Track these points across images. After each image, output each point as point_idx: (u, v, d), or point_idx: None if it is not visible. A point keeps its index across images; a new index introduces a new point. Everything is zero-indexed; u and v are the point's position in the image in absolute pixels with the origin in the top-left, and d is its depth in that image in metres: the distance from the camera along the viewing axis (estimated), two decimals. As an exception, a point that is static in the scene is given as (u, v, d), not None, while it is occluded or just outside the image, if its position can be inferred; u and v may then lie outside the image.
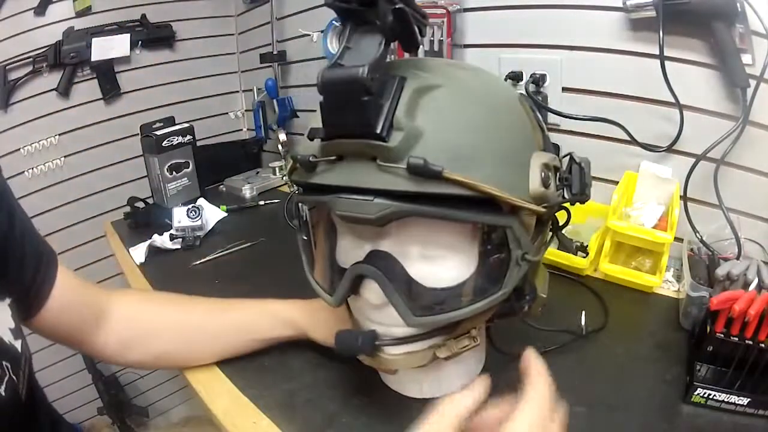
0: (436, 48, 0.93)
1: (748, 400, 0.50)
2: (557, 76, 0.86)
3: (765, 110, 0.68)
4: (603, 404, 0.52)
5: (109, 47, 1.33)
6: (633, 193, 0.82)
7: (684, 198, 0.76)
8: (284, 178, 1.37)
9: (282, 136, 1.35)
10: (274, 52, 1.35)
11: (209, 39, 1.54)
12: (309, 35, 1.27)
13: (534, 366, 0.39)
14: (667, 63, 0.71)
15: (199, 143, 1.28)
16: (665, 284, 0.75)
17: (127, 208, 1.17)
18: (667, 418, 0.51)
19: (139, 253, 0.98)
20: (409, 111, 0.36)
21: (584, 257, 0.77)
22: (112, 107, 1.40)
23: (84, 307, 0.56)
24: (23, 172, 1.30)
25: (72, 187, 1.39)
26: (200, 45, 1.52)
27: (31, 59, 1.24)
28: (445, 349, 0.46)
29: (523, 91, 0.84)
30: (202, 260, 0.95)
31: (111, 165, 1.44)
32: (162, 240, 1.00)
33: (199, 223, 1.04)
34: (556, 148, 0.47)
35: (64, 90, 1.30)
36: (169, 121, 1.24)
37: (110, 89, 1.37)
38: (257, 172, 1.44)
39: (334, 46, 1.21)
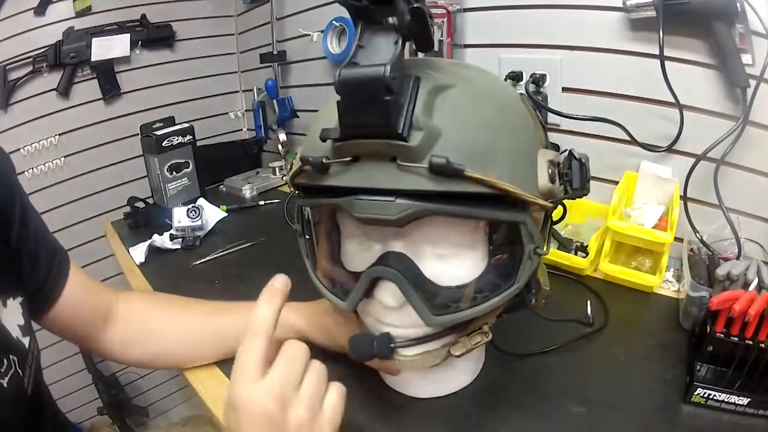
0: (436, 48, 0.93)
1: (748, 400, 0.50)
2: (557, 76, 0.86)
3: (765, 110, 0.68)
4: (603, 404, 0.52)
5: (109, 47, 1.33)
6: (633, 193, 0.82)
7: (684, 198, 0.76)
8: (284, 178, 1.37)
9: (282, 136, 1.35)
10: (274, 52, 1.35)
11: (209, 39, 1.54)
12: (309, 35, 1.27)
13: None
14: (667, 63, 0.71)
15: (199, 143, 1.28)
16: (665, 284, 0.75)
17: (127, 208, 1.17)
18: (667, 418, 0.51)
19: (139, 253, 0.98)
20: (426, 110, 0.36)
21: (584, 257, 0.77)
22: (112, 107, 1.40)
23: (93, 306, 0.57)
24: (23, 172, 1.30)
25: (72, 187, 1.39)
26: (200, 45, 1.52)
27: (31, 59, 1.24)
28: (459, 347, 0.46)
29: (523, 91, 0.84)
30: (202, 260, 0.95)
31: (111, 165, 1.44)
32: (162, 240, 1.00)
33: (199, 223, 1.04)
34: (554, 147, 0.47)
35: (64, 90, 1.30)
36: (169, 121, 1.24)
37: (110, 89, 1.37)
38: (257, 172, 1.44)
39: (334, 46, 1.21)
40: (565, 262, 0.78)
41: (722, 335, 0.51)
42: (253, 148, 1.49)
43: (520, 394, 0.55)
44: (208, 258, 0.95)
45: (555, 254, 0.78)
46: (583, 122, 0.80)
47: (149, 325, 0.61)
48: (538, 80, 0.87)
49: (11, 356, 0.46)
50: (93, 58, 1.31)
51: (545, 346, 0.61)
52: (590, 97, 0.84)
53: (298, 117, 1.41)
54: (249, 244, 0.99)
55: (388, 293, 0.42)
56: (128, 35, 1.36)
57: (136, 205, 1.18)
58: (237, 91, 1.66)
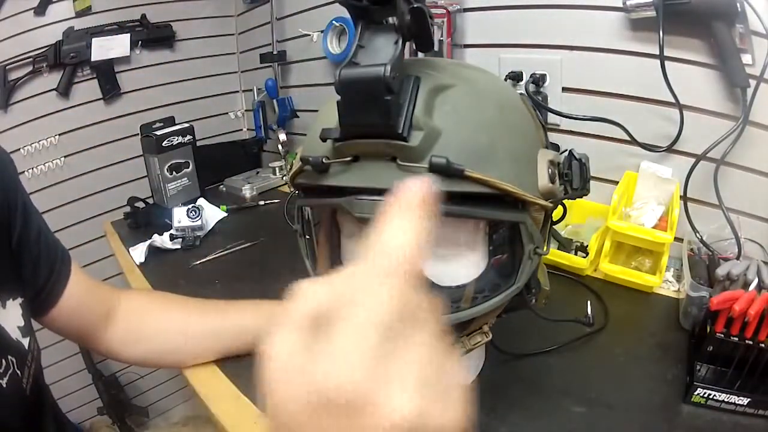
0: (436, 48, 0.93)
1: (748, 400, 0.50)
2: (557, 76, 0.86)
3: (765, 110, 0.68)
4: (603, 404, 0.52)
5: (109, 47, 1.33)
6: (633, 193, 0.82)
7: (684, 198, 0.76)
8: (284, 178, 1.37)
9: (282, 136, 1.35)
10: (274, 52, 1.35)
11: (209, 39, 1.54)
12: (309, 35, 1.27)
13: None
14: (667, 63, 0.71)
15: (199, 143, 1.28)
16: (665, 284, 0.75)
17: (127, 208, 1.17)
18: (667, 418, 0.51)
19: (139, 253, 0.98)
20: (426, 110, 0.36)
21: (584, 257, 0.77)
22: (112, 107, 1.40)
23: (94, 305, 0.57)
24: (23, 172, 1.30)
25: (72, 187, 1.39)
26: (200, 45, 1.52)
27: (31, 59, 1.24)
28: (459, 347, 0.46)
29: (523, 91, 0.84)
30: (202, 260, 0.95)
31: (111, 165, 1.44)
32: (162, 240, 1.00)
33: (199, 223, 1.04)
34: (554, 147, 0.47)
35: (64, 90, 1.30)
36: (169, 121, 1.24)
37: (110, 89, 1.37)
38: (257, 172, 1.44)
39: (334, 46, 1.21)
40: (565, 262, 0.78)
41: (722, 335, 0.51)
42: (253, 148, 1.49)
43: (520, 394, 0.55)
44: (208, 258, 0.95)
45: (555, 254, 0.78)
46: (583, 122, 0.80)
47: (150, 323, 0.61)
48: (538, 80, 0.87)
49: (9, 357, 0.46)
50: (93, 58, 1.31)
51: (545, 346, 0.61)
52: (590, 97, 0.84)
53: (298, 117, 1.41)
54: (249, 244, 0.99)
55: None
56: (128, 35, 1.36)
57: (136, 205, 1.18)
58: (237, 91, 1.66)
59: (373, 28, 0.37)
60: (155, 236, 1.01)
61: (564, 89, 0.86)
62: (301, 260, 0.50)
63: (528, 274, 0.43)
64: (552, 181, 0.41)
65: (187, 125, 1.23)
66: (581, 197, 0.46)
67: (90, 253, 1.44)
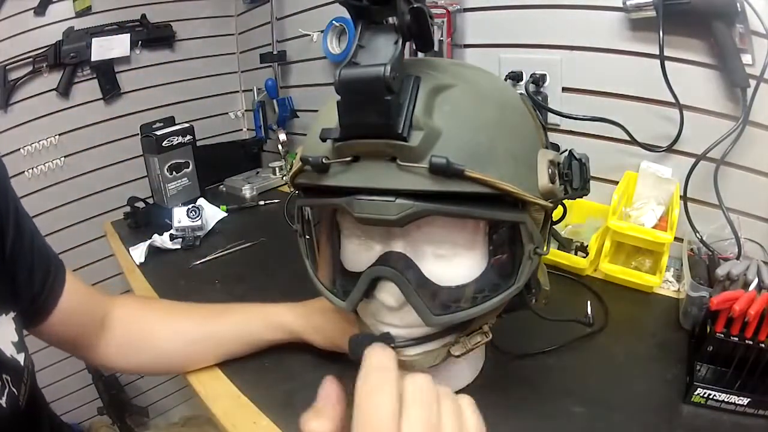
0: (436, 48, 0.93)
1: (748, 400, 0.50)
2: (557, 76, 0.86)
3: (765, 110, 0.68)
4: (603, 404, 0.52)
5: (109, 47, 1.33)
6: (633, 193, 0.82)
7: (684, 198, 0.76)
8: (284, 178, 1.37)
9: (282, 136, 1.35)
10: (274, 52, 1.35)
11: (209, 39, 1.54)
12: (309, 35, 1.27)
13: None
14: (667, 63, 0.71)
15: (199, 143, 1.28)
16: (665, 284, 0.75)
17: (127, 208, 1.17)
18: (667, 418, 0.51)
19: (139, 253, 0.98)
20: (426, 110, 0.36)
21: (584, 257, 0.77)
22: (112, 107, 1.40)
23: (89, 313, 0.56)
24: (23, 172, 1.30)
25: (72, 187, 1.39)
26: (200, 45, 1.52)
27: (31, 59, 1.24)
28: (459, 347, 0.46)
29: (523, 91, 0.84)
30: (202, 260, 0.95)
31: (111, 165, 1.44)
32: (162, 240, 1.00)
33: (199, 223, 1.04)
34: (554, 147, 0.47)
35: (64, 90, 1.30)
36: (169, 121, 1.24)
37: (110, 89, 1.37)
38: (257, 172, 1.44)
39: (334, 46, 1.21)
40: (565, 262, 0.78)
41: (722, 335, 0.51)
42: (253, 148, 1.49)
43: (520, 394, 0.55)
44: (208, 258, 0.95)
45: (555, 254, 0.78)
46: (583, 122, 0.80)
47: (146, 330, 0.60)
48: (538, 80, 0.87)
49: (4, 375, 0.44)
50: (93, 58, 1.31)
51: (545, 346, 0.61)
52: (590, 97, 0.84)
53: (298, 117, 1.41)
54: (249, 244, 0.99)
55: (388, 293, 0.42)
56: (128, 35, 1.36)
57: (136, 205, 1.18)
58: (237, 91, 1.66)
59: (373, 28, 0.37)
60: (155, 236, 1.01)
61: (564, 89, 0.86)
62: (301, 260, 0.50)
63: (528, 274, 0.43)
64: (552, 181, 0.41)
65: (187, 125, 1.23)
66: (581, 197, 0.46)
67: (90, 253, 1.44)
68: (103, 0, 1.31)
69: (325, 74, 1.31)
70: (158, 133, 1.17)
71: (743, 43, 0.67)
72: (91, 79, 1.35)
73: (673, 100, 0.73)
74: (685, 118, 0.74)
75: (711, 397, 0.51)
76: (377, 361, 0.30)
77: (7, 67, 1.21)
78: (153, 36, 1.41)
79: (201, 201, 1.17)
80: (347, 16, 0.37)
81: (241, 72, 1.64)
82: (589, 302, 0.66)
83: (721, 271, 0.60)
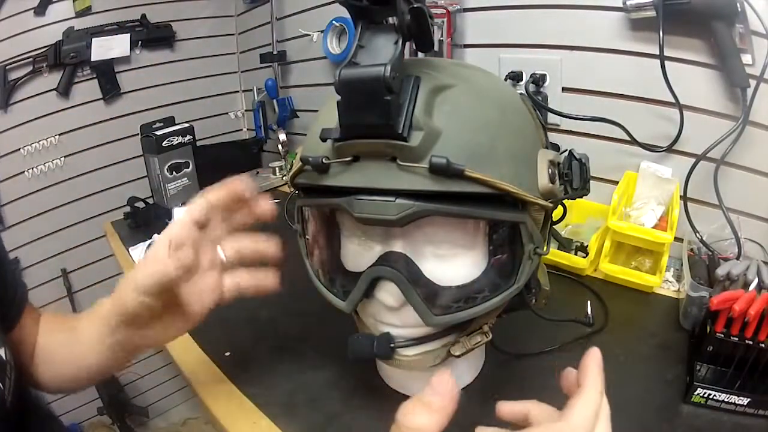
0: (436, 48, 0.93)
1: (748, 400, 0.50)
2: (557, 76, 0.86)
3: (765, 110, 0.68)
4: (603, 404, 0.52)
5: (109, 47, 1.33)
6: (633, 193, 0.82)
7: (684, 198, 0.76)
8: (284, 178, 1.37)
9: (282, 136, 1.35)
10: (274, 52, 1.35)
11: (209, 39, 1.54)
12: (309, 35, 1.27)
13: (594, 366, 0.34)
14: (667, 63, 0.71)
15: (199, 143, 1.27)
16: (665, 284, 0.75)
17: (127, 208, 1.17)
18: (667, 418, 0.51)
19: (139, 253, 0.98)
20: (426, 110, 0.36)
21: (584, 257, 0.77)
22: (112, 107, 1.41)
23: (33, 336, 0.52)
24: (23, 172, 1.30)
25: (72, 187, 1.39)
26: (200, 45, 1.52)
27: (31, 59, 1.24)
28: (459, 347, 0.46)
29: (523, 91, 0.84)
30: (202, 260, 0.94)
31: (111, 165, 1.44)
32: (162, 240, 1.00)
33: (199, 223, 1.04)
34: (554, 147, 0.47)
35: (64, 90, 1.30)
36: (169, 121, 1.24)
37: (110, 89, 1.37)
38: (257, 172, 1.44)
39: (334, 46, 1.21)
40: (565, 262, 0.78)
41: (722, 335, 0.51)
42: (253, 148, 1.49)
43: (520, 394, 0.54)
44: (208, 258, 0.95)
45: (555, 254, 0.78)
46: (583, 122, 0.81)
47: (56, 343, 0.53)
48: (538, 80, 0.87)
49: None
50: (93, 58, 1.31)
51: (545, 346, 0.61)
52: (590, 97, 0.84)
53: (298, 117, 1.41)
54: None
55: (388, 293, 0.42)
56: (128, 35, 1.36)
57: (136, 205, 1.18)
58: (237, 91, 1.66)
59: (373, 28, 0.37)
60: (155, 236, 1.01)
61: (564, 89, 0.86)
62: (301, 260, 0.50)
63: (528, 274, 0.43)
64: (552, 181, 0.41)
65: (187, 125, 1.23)
66: (581, 197, 0.46)
67: (90, 253, 1.44)
68: (103, 0, 1.31)
69: (325, 74, 1.31)
70: (158, 133, 1.17)
71: (743, 43, 0.67)
72: (91, 79, 1.35)
73: (673, 100, 0.73)
74: (685, 118, 0.74)
75: (711, 397, 0.51)
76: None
77: (7, 67, 1.22)
78: (153, 36, 1.41)
79: (201, 201, 1.17)
80: (347, 16, 0.37)
81: (241, 72, 1.64)
82: (589, 302, 0.66)
83: (721, 271, 0.60)
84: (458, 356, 0.46)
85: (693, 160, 0.73)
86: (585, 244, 0.80)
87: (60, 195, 1.37)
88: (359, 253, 0.45)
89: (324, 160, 0.38)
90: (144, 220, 1.14)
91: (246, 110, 1.66)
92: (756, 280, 0.58)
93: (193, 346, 0.67)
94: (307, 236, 0.49)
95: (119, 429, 1.48)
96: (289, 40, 1.37)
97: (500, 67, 0.91)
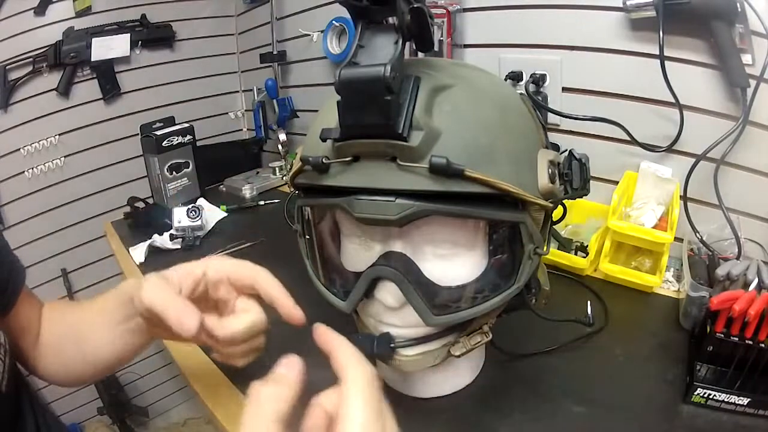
0: (436, 48, 0.93)
1: (748, 400, 0.50)
2: (557, 76, 0.86)
3: (765, 110, 0.68)
4: (603, 404, 0.52)
5: (109, 47, 1.33)
6: (633, 193, 0.82)
7: (684, 198, 0.76)
8: (284, 178, 1.37)
9: (282, 136, 1.35)
10: (274, 52, 1.35)
11: (209, 39, 1.54)
12: (309, 35, 1.27)
13: (346, 349, 0.32)
14: (667, 63, 0.71)
15: (199, 143, 1.28)
16: (665, 284, 0.75)
17: (127, 208, 1.17)
18: (667, 418, 0.51)
19: (139, 253, 0.98)
20: (426, 110, 0.36)
21: (584, 257, 0.77)
22: (112, 107, 1.41)
23: (33, 323, 0.52)
24: (23, 172, 1.30)
25: (72, 187, 1.39)
26: (200, 45, 1.52)
27: (31, 59, 1.24)
28: (459, 347, 0.46)
29: (523, 91, 0.84)
30: (202, 260, 0.94)
31: (111, 165, 1.44)
32: (162, 240, 1.00)
33: (199, 223, 1.04)
34: (554, 147, 0.47)
35: (64, 90, 1.30)
36: (169, 121, 1.24)
37: (110, 89, 1.37)
38: (257, 172, 1.44)
39: (334, 46, 1.21)
40: (565, 262, 0.78)
41: (722, 335, 0.51)
42: (253, 148, 1.49)
43: (520, 394, 0.55)
44: (208, 258, 0.95)
45: (555, 254, 0.78)
46: (583, 122, 0.81)
47: (68, 327, 0.53)
48: (538, 80, 0.87)
49: None
50: (93, 58, 1.31)
51: (545, 346, 0.61)
52: (590, 97, 0.84)
53: (298, 117, 1.41)
54: (249, 244, 0.99)
55: (388, 293, 0.42)
56: (128, 35, 1.36)
57: (136, 205, 1.18)
58: (237, 91, 1.66)
59: (373, 28, 0.37)
60: (155, 236, 1.01)
61: (564, 89, 0.86)
62: (301, 260, 0.50)
63: (528, 274, 0.43)
64: (552, 181, 0.42)
65: (187, 125, 1.23)
66: (581, 197, 0.46)
67: (90, 253, 1.44)
68: (103, 0, 1.31)
69: (325, 74, 1.31)
70: (158, 133, 1.17)
71: (743, 43, 0.67)
72: (91, 79, 1.35)
73: (673, 100, 0.73)
74: (685, 118, 0.74)
75: (711, 397, 0.51)
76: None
77: (7, 67, 1.21)
78: (153, 36, 1.41)
79: (201, 201, 1.17)
80: (347, 16, 0.37)
81: (241, 72, 1.64)
82: (589, 302, 0.65)
83: (721, 271, 0.60)
84: (458, 356, 0.46)
85: (693, 160, 0.73)
86: (585, 244, 0.80)
87: (60, 195, 1.37)
88: (359, 253, 0.45)
89: (324, 160, 0.38)
90: (144, 220, 1.14)
91: (246, 110, 1.66)
92: (756, 280, 0.58)
93: (193, 346, 0.67)
94: (307, 236, 0.49)
95: (119, 429, 1.48)
96: (289, 40, 1.37)
97: (500, 67, 0.91)
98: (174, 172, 1.21)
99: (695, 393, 0.51)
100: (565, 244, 0.81)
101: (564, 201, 0.46)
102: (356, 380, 0.30)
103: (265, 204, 1.24)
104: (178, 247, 1.00)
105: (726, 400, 0.50)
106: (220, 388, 0.59)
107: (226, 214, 1.15)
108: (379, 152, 0.37)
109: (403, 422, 0.42)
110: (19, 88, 1.25)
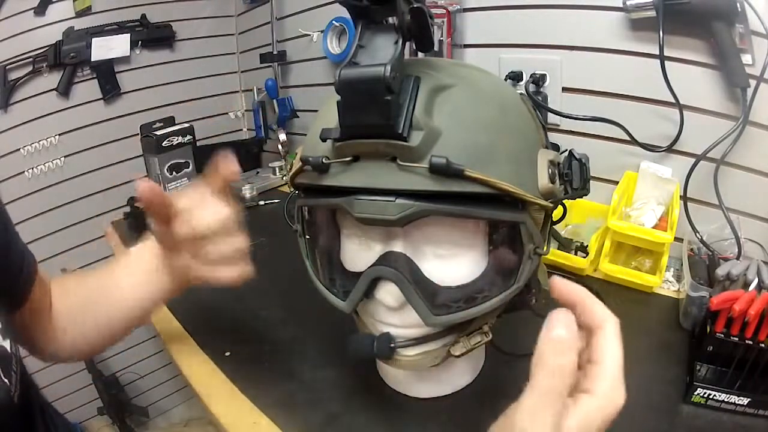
0: (436, 48, 0.93)
1: (748, 400, 0.50)
2: (557, 76, 0.86)
3: (765, 110, 0.68)
4: (603, 404, 0.52)
5: (109, 47, 1.33)
6: (633, 193, 0.82)
7: (684, 198, 0.76)
8: (284, 178, 1.37)
9: (282, 136, 1.35)
10: (274, 52, 1.35)
11: (209, 39, 1.54)
12: (309, 35, 1.27)
13: (596, 301, 0.35)
14: (667, 63, 0.71)
15: (199, 143, 1.28)
16: (665, 284, 0.75)
17: (127, 208, 1.17)
18: (667, 418, 0.51)
19: (139, 253, 0.97)
20: (426, 110, 0.36)
21: (584, 257, 0.77)
22: (112, 107, 1.41)
23: (46, 304, 0.53)
24: (23, 172, 1.30)
25: (72, 187, 1.39)
26: (200, 45, 1.52)
27: (31, 59, 1.24)
28: (459, 347, 0.46)
29: (523, 91, 0.84)
30: (202, 260, 0.94)
31: (111, 165, 1.44)
32: (162, 240, 1.00)
33: (199, 223, 1.04)
34: (554, 147, 0.47)
35: (64, 90, 1.30)
36: (169, 121, 1.24)
37: (110, 89, 1.37)
38: (257, 172, 1.44)
39: (334, 46, 1.21)
40: (565, 262, 0.78)
41: (722, 335, 0.51)
42: (253, 148, 1.48)
43: (520, 394, 0.55)
44: (208, 258, 0.95)
45: (555, 254, 0.78)
46: (583, 122, 0.81)
47: (79, 295, 0.55)
48: (538, 80, 0.87)
49: None
50: (93, 58, 1.31)
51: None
52: (590, 97, 0.84)
53: (298, 117, 1.41)
54: (249, 244, 0.99)
55: (388, 293, 0.42)
56: (128, 35, 1.36)
57: (136, 205, 1.17)
58: (237, 91, 1.66)
59: (373, 28, 0.37)
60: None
61: (564, 89, 0.86)
62: (301, 260, 0.50)
63: (528, 274, 0.43)
64: (552, 181, 0.42)
65: (187, 125, 1.23)
66: (581, 197, 0.46)
67: (90, 253, 1.44)
68: (103, 0, 1.31)
69: (325, 74, 1.31)
70: (158, 133, 1.17)
71: (743, 43, 0.67)
72: (91, 79, 1.35)
73: (673, 100, 0.73)
74: (685, 118, 0.74)
75: (711, 397, 0.51)
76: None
77: (7, 67, 1.21)
78: (153, 36, 1.41)
79: (201, 201, 1.17)
80: (347, 16, 0.37)
81: (241, 72, 1.64)
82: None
83: (721, 271, 0.60)
84: (458, 356, 0.46)
85: (693, 160, 0.73)
86: (585, 244, 0.80)
87: (60, 195, 1.37)
88: (359, 253, 0.45)
89: (324, 160, 0.39)
90: (144, 220, 1.14)
91: (246, 110, 1.66)
92: (756, 280, 0.58)
93: (193, 346, 0.67)
94: (307, 236, 0.49)
95: (119, 429, 1.48)
96: (289, 40, 1.37)
97: (500, 67, 0.91)
98: (174, 172, 1.21)
99: (695, 393, 0.51)
100: (565, 244, 0.81)
101: (564, 201, 0.46)
102: (616, 328, 0.34)
103: (265, 204, 1.24)
104: (178, 247, 1.00)
105: (726, 400, 0.50)
106: (220, 388, 0.59)
107: (226, 214, 1.15)
108: (379, 152, 0.37)
109: (404, 422, 0.42)
110: (19, 88, 1.25)
